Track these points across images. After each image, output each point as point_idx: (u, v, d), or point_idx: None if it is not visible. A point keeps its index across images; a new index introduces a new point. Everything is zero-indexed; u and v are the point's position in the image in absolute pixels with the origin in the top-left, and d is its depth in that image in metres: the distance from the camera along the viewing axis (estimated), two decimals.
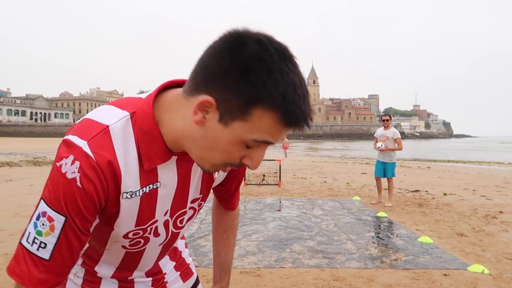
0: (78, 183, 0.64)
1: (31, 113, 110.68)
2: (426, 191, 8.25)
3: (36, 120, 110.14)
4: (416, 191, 8.32)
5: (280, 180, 9.17)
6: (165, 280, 1.07)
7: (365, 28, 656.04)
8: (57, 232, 0.65)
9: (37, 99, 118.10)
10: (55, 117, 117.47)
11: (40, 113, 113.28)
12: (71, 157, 0.65)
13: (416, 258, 3.74)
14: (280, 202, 6.91)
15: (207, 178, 0.88)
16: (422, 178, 11.15)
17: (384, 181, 6.91)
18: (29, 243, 0.68)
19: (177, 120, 0.69)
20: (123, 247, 0.85)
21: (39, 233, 0.66)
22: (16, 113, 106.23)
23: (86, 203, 0.66)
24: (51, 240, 0.66)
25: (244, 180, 9.15)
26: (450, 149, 50.80)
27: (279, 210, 6.13)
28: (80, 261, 0.93)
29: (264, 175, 9.63)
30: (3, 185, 8.82)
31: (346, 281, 3.15)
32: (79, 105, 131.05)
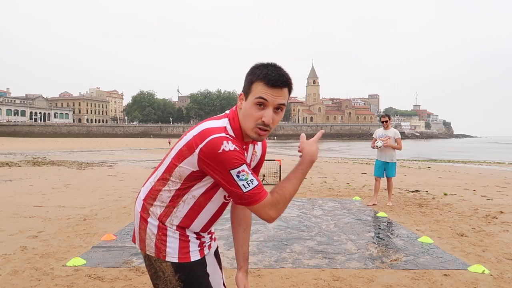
0: (236, 148, 1.20)
1: (31, 113, 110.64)
2: (427, 191, 8.24)
3: (35, 120, 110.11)
4: (417, 191, 8.31)
5: (280, 180, 9.16)
6: (213, 237, 1.54)
7: (365, 28, 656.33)
8: (249, 171, 1.21)
9: (36, 99, 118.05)
10: (55, 117, 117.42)
11: (40, 113, 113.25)
12: (225, 141, 1.19)
13: (417, 258, 3.73)
14: None
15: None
16: (422, 178, 11.15)
17: (383, 181, 6.89)
18: (248, 187, 1.20)
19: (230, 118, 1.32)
20: (224, 197, 1.37)
21: (246, 179, 1.20)
22: (16, 113, 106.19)
23: (243, 155, 1.22)
24: (251, 177, 1.21)
25: None
26: (451, 148, 50.79)
27: None
28: (178, 223, 1.33)
29: (264, 175, 9.63)
30: (3, 185, 8.81)
31: (346, 281, 3.15)
32: (79, 105, 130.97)
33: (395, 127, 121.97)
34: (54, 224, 5.00)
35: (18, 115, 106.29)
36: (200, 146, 1.21)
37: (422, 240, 4.34)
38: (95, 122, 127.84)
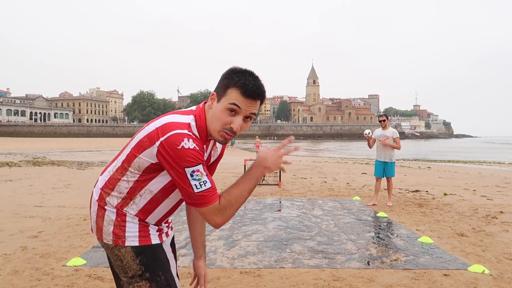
0: (196, 147, 1.21)
1: (31, 113, 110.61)
2: (427, 191, 8.24)
3: (35, 120, 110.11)
4: (417, 191, 8.31)
5: (280, 180, 9.16)
6: (170, 226, 1.56)
7: (366, 28, 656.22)
8: (204, 173, 1.22)
9: (36, 99, 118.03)
10: (55, 117, 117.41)
11: (40, 113, 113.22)
12: (186, 138, 1.20)
13: (416, 258, 3.73)
14: (280, 202, 6.91)
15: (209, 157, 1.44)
16: (422, 178, 11.15)
17: (383, 181, 6.90)
18: (199, 188, 1.21)
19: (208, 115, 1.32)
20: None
21: (199, 179, 1.20)
22: (16, 113, 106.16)
23: (201, 155, 1.23)
24: (205, 178, 1.21)
25: None
26: (450, 149, 50.79)
27: (279, 210, 6.12)
28: (134, 213, 1.34)
29: (264, 175, 9.62)
30: (3, 185, 8.81)
31: (346, 281, 3.15)
32: (79, 105, 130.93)
33: (395, 127, 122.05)
34: (54, 224, 5.00)
35: (18, 115, 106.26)
36: (161, 139, 1.21)
37: (422, 240, 4.34)
38: (95, 122, 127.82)
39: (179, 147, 1.18)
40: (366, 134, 6.84)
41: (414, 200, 7.17)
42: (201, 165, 1.21)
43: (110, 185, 1.35)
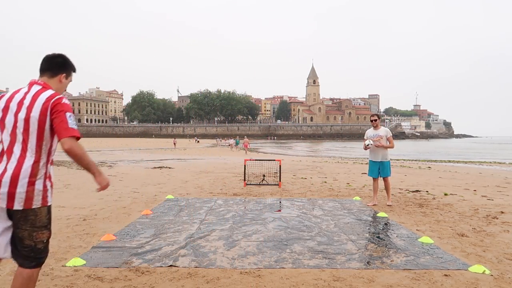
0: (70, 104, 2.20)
1: None
2: (427, 191, 8.23)
3: None
4: (417, 191, 8.30)
5: (280, 180, 9.15)
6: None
7: (366, 28, 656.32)
8: (74, 117, 2.15)
9: None
10: None
11: None
12: (65, 98, 2.16)
13: (417, 259, 3.72)
14: (280, 202, 6.90)
15: None
16: (422, 178, 11.14)
17: (381, 180, 6.87)
18: (74, 125, 2.09)
19: (54, 86, 2.26)
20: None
21: (72, 120, 2.10)
22: None
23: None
24: (75, 122, 2.08)
25: (244, 180, 9.13)
26: (450, 149, 50.77)
27: (279, 210, 6.11)
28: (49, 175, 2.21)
29: (264, 175, 9.62)
30: None
31: (347, 282, 3.14)
32: (79, 105, 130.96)
33: (396, 127, 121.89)
34: (53, 224, 4.96)
35: None
36: (52, 101, 2.10)
37: (422, 240, 4.33)
38: (95, 122, 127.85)
39: (63, 101, 2.16)
40: (366, 145, 6.69)
41: (414, 200, 7.16)
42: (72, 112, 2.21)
43: (35, 168, 2.15)
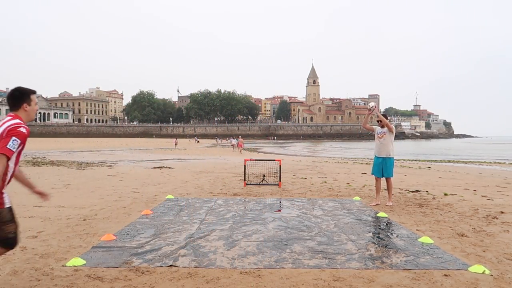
0: (26, 132, 2.63)
1: None
2: (427, 191, 8.23)
3: (35, 120, 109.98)
4: (417, 191, 8.30)
5: (280, 180, 9.15)
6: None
7: (366, 28, 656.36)
8: (18, 144, 2.57)
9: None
10: (55, 117, 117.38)
11: (39, 113, 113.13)
12: (23, 126, 2.62)
13: (417, 259, 3.72)
14: (280, 202, 6.90)
15: None
16: (422, 178, 11.14)
17: (383, 180, 6.89)
18: (12, 148, 2.52)
19: (23, 116, 2.76)
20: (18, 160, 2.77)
21: (15, 144, 2.53)
22: None
23: (26, 140, 2.65)
24: (16, 146, 2.54)
25: (244, 180, 9.13)
26: (450, 149, 50.77)
27: (279, 210, 6.11)
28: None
29: (264, 175, 9.62)
30: None
31: (347, 282, 3.14)
32: (79, 105, 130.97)
33: (396, 127, 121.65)
34: (53, 224, 5.00)
35: None
36: (8, 129, 2.59)
37: (422, 240, 4.34)
38: (95, 122, 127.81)
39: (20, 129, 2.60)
40: (370, 107, 6.89)
41: (414, 200, 7.16)
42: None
43: None
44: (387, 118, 6.94)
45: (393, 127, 6.88)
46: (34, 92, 2.85)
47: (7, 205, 2.76)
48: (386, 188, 6.87)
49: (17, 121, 2.67)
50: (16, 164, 2.72)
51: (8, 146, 2.53)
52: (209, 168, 14.15)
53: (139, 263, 3.52)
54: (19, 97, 2.77)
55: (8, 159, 2.56)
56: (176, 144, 45.79)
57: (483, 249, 4.05)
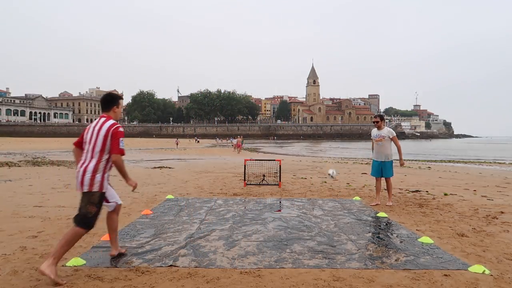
0: (123, 131, 3.43)
1: (30, 113, 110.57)
2: (427, 191, 8.23)
3: (35, 120, 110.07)
4: (417, 191, 8.30)
5: (280, 180, 9.15)
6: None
7: (366, 28, 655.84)
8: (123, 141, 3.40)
9: (36, 99, 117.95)
10: (55, 117, 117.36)
11: (40, 113, 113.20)
12: (120, 126, 3.40)
13: (417, 259, 3.73)
14: (280, 202, 6.90)
15: None
16: (422, 178, 11.14)
17: (383, 180, 6.89)
18: (123, 147, 3.36)
19: (112, 116, 3.53)
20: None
21: (122, 143, 3.35)
22: (15, 113, 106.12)
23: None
24: (123, 144, 3.38)
25: (244, 180, 9.13)
26: (450, 149, 50.76)
27: (279, 210, 6.11)
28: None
29: (264, 175, 9.62)
30: (2, 185, 8.80)
31: (347, 282, 3.14)
32: (79, 105, 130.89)
33: (396, 127, 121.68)
34: (53, 224, 5.00)
35: (17, 115, 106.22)
36: (112, 129, 3.31)
37: (422, 240, 4.34)
38: None
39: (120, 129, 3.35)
40: (330, 174, 7.16)
41: (414, 200, 7.16)
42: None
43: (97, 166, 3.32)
44: (383, 119, 6.83)
45: (399, 143, 6.71)
46: (121, 97, 3.64)
47: (103, 191, 3.34)
48: (386, 188, 6.85)
49: (113, 121, 3.40)
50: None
51: (121, 147, 3.31)
52: (209, 168, 14.14)
53: (139, 263, 3.52)
54: (111, 101, 3.49)
55: (124, 153, 3.37)
56: (177, 144, 45.60)
57: (483, 249, 4.05)
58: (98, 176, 3.27)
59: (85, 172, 3.23)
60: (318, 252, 3.93)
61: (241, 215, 5.67)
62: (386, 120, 6.96)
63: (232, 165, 15.55)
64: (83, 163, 3.28)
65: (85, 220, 3.23)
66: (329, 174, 7.23)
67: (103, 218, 5.42)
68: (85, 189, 3.23)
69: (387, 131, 6.70)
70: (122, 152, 3.31)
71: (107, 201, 3.52)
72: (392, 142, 6.66)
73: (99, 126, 3.32)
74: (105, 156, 3.30)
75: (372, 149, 6.89)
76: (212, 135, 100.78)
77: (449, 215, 5.80)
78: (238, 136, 41.44)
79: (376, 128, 6.81)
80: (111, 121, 3.36)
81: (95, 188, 3.25)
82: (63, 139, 72.03)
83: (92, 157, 3.28)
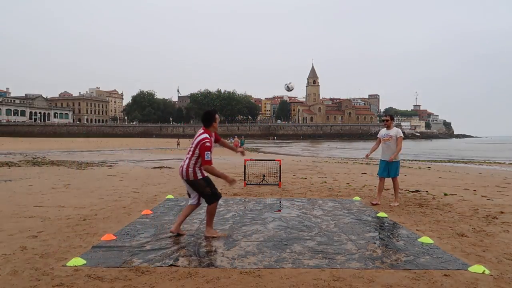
0: (210, 145, 4.23)
1: (31, 113, 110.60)
2: (427, 191, 8.24)
3: (35, 120, 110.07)
4: (417, 191, 8.30)
5: (280, 180, 9.15)
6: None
7: (366, 28, 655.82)
8: (210, 154, 4.19)
9: (36, 99, 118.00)
10: (55, 117, 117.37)
11: (40, 113, 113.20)
12: (208, 140, 4.21)
13: (417, 259, 3.73)
14: (280, 202, 6.90)
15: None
16: (422, 178, 11.14)
17: (388, 181, 6.90)
18: (209, 158, 4.15)
19: (211, 130, 4.40)
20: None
21: (208, 156, 4.12)
22: (16, 113, 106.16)
23: (210, 148, 4.22)
24: (210, 155, 4.16)
25: (244, 180, 9.13)
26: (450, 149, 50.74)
27: (279, 210, 6.11)
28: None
29: (264, 175, 9.62)
30: (2, 185, 8.80)
31: (346, 282, 3.14)
32: (79, 105, 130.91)
33: (396, 127, 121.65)
34: (53, 224, 5.00)
35: (17, 115, 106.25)
36: (200, 144, 4.21)
37: (422, 240, 4.34)
38: (95, 122, 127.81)
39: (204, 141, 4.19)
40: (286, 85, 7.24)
41: (414, 200, 7.16)
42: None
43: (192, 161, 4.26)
44: (393, 119, 6.95)
45: (402, 146, 6.79)
46: (217, 112, 4.44)
47: (199, 177, 4.25)
48: (387, 188, 6.86)
49: (205, 135, 4.20)
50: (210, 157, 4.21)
51: (206, 158, 4.11)
52: None
53: (139, 263, 3.52)
54: (210, 118, 4.30)
55: (210, 164, 4.16)
56: (178, 144, 45.43)
57: (483, 249, 4.05)
58: (192, 170, 4.22)
59: (185, 167, 4.26)
60: (318, 252, 3.93)
61: (241, 215, 5.67)
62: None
63: (232, 165, 15.55)
64: (184, 161, 4.30)
65: (211, 198, 4.32)
66: (285, 85, 6.99)
67: (102, 218, 5.45)
68: (191, 177, 4.24)
69: (395, 131, 6.77)
70: (208, 163, 4.11)
71: (189, 196, 4.49)
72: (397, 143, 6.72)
73: (196, 136, 4.29)
74: (195, 157, 4.21)
75: (372, 148, 6.95)
76: None
77: (449, 215, 5.81)
78: (236, 136, 41.47)
79: (385, 128, 6.89)
80: (203, 135, 4.20)
81: (198, 177, 4.25)
82: (63, 139, 72.04)
83: (189, 157, 4.27)
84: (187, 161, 4.25)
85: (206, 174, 4.28)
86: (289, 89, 7.03)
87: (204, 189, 4.28)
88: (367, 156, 7.02)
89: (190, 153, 4.24)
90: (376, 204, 6.57)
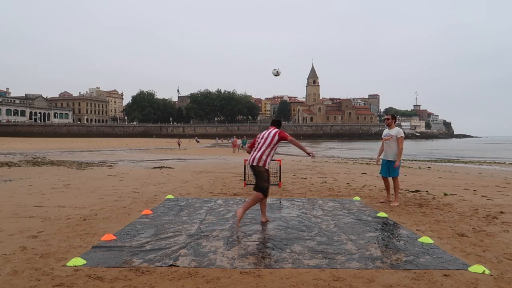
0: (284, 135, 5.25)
1: (31, 113, 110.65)
2: (427, 191, 8.24)
3: (35, 120, 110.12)
4: (417, 191, 8.30)
5: (280, 180, 9.14)
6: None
7: (366, 28, 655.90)
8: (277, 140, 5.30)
9: (36, 99, 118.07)
10: (55, 117, 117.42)
11: (40, 113, 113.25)
12: (284, 132, 5.28)
13: (417, 259, 3.73)
14: (280, 202, 6.90)
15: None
16: (422, 178, 11.14)
17: (390, 180, 6.94)
18: (288, 135, 5.31)
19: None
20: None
21: (288, 134, 5.24)
22: (16, 113, 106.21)
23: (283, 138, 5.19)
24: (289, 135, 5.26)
25: (244, 180, 9.13)
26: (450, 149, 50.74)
27: (279, 210, 6.11)
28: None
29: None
30: (2, 185, 8.81)
31: (346, 282, 3.14)
32: (79, 105, 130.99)
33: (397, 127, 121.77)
34: (54, 224, 5.00)
35: (18, 115, 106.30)
36: (278, 132, 5.14)
37: (422, 240, 4.34)
38: (95, 122, 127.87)
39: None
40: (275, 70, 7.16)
41: (414, 200, 7.17)
42: None
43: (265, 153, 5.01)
44: (395, 119, 6.97)
45: (403, 146, 6.79)
46: (282, 121, 5.44)
47: (266, 167, 5.02)
48: (393, 188, 6.90)
49: (278, 130, 5.14)
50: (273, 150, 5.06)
51: (288, 136, 5.02)
52: (209, 168, 14.15)
53: (139, 263, 3.52)
54: (280, 124, 5.34)
55: (285, 139, 5.01)
56: (179, 144, 45.16)
57: (483, 249, 4.05)
58: (265, 158, 4.94)
59: (260, 154, 4.95)
60: (318, 252, 3.93)
61: None
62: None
63: (232, 165, 15.55)
64: (256, 152, 5.00)
65: (262, 188, 4.94)
66: (274, 70, 6.99)
67: (102, 218, 5.45)
68: (261, 163, 4.91)
69: (396, 131, 6.78)
70: (291, 137, 5.04)
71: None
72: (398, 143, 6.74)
73: (268, 132, 5.10)
74: (270, 148, 4.96)
75: (380, 151, 7.13)
76: (212, 135, 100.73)
77: (449, 215, 5.81)
78: (234, 136, 41.43)
79: (387, 128, 6.94)
80: (277, 130, 5.14)
81: (266, 165, 4.97)
82: (63, 139, 72.07)
83: (264, 148, 4.98)
84: (262, 149, 4.96)
85: (268, 167, 5.04)
86: (277, 73, 7.08)
87: (263, 179, 4.92)
88: (377, 162, 7.23)
89: (266, 144, 4.96)
90: (382, 202, 6.74)
